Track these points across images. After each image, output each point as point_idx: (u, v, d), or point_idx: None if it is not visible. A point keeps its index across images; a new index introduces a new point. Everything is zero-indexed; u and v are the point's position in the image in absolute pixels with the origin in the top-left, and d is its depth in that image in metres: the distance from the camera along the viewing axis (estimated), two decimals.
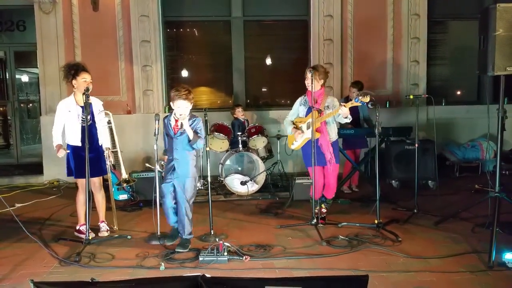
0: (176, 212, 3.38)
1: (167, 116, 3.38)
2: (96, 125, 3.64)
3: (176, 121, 3.25)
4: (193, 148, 3.32)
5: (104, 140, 3.72)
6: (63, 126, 3.58)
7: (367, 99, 3.48)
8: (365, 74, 6.23)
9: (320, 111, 3.70)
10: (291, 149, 4.15)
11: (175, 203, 3.37)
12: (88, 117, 3.46)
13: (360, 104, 3.58)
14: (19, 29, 6.93)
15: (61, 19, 6.04)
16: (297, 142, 3.92)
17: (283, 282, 1.79)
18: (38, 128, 7.10)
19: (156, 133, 3.30)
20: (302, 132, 3.85)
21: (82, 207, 3.64)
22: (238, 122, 5.54)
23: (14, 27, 6.92)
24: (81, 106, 3.51)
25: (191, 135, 3.23)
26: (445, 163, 5.90)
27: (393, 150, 5.20)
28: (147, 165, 5.14)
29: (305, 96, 3.90)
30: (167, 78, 6.47)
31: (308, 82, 3.72)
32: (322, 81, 3.78)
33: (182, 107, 3.20)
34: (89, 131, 3.43)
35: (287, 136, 4.13)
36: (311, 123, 3.65)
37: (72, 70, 3.53)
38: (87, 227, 3.35)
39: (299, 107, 3.93)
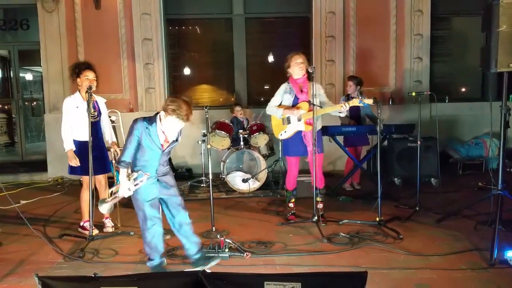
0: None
1: (146, 126, 2.71)
2: (101, 123, 3.69)
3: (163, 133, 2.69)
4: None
5: (109, 135, 3.77)
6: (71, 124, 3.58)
7: (370, 101, 3.52)
8: (367, 71, 6.21)
9: (309, 102, 3.63)
10: (278, 138, 3.95)
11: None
12: (95, 113, 3.54)
13: (363, 105, 3.60)
14: (23, 28, 6.97)
15: (64, 17, 6.08)
16: (286, 133, 3.76)
17: (282, 278, 1.80)
18: (42, 126, 7.15)
19: None
20: (298, 113, 3.68)
21: (86, 203, 3.66)
22: (236, 121, 5.56)
23: (17, 26, 6.97)
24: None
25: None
26: (448, 161, 5.87)
27: (396, 147, 5.19)
28: None
29: (289, 83, 3.75)
30: (169, 76, 6.49)
31: (301, 67, 3.62)
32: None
33: (177, 129, 2.64)
34: (95, 127, 3.50)
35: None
36: (302, 115, 3.65)
37: (76, 69, 3.60)
38: (91, 224, 3.39)
39: (283, 95, 3.76)
